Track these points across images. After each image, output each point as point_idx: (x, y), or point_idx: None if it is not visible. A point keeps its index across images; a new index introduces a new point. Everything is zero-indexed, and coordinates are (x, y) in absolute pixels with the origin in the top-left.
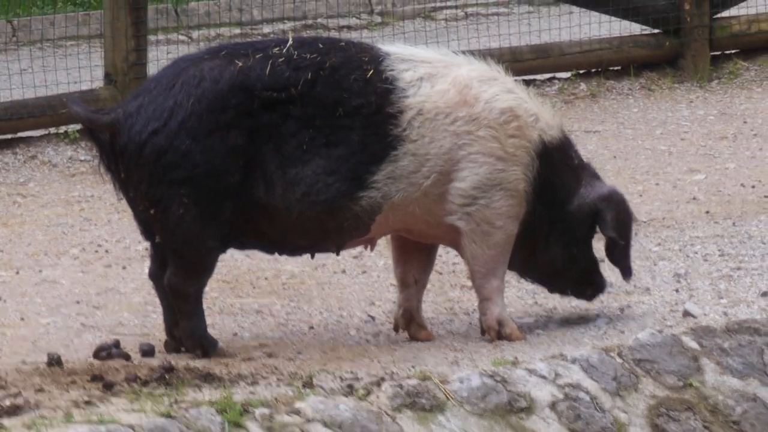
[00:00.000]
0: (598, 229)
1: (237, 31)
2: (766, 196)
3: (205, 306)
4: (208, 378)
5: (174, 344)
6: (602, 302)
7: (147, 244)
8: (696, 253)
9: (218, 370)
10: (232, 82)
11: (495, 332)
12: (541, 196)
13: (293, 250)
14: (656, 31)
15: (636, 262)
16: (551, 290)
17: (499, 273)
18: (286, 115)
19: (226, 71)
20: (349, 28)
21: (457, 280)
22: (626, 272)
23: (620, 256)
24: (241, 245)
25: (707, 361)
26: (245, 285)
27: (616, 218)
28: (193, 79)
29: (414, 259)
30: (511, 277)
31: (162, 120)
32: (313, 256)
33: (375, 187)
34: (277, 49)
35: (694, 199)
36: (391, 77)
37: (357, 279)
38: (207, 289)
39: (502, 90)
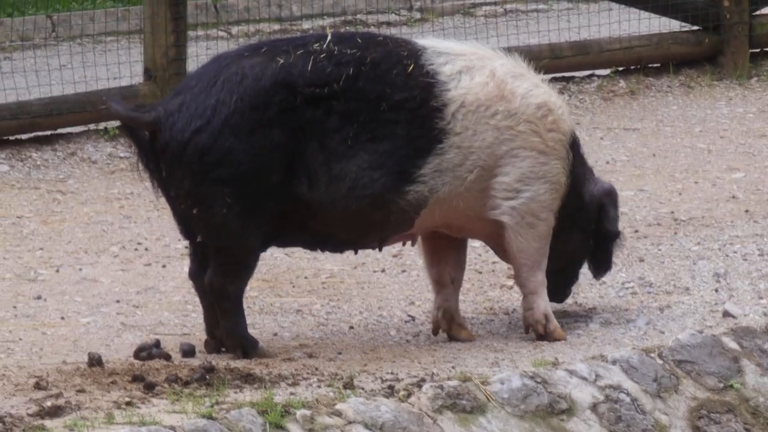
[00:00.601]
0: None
1: (276, 27)
2: None
3: (245, 305)
4: (249, 378)
5: (215, 344)
6: (642, 302)
7: (186, 243)
8: (735, 252)
9: (259, 370)
10: (274, 79)
11: (542, 326)
12: (572, 189)
13: (336, 246)
14: (695, 27)
15: (676, 262)
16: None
17: (543, 266)
18: (330, 111)
19: (268, 68)
20: (388, 24)
21: (497, 279)
22: (606, 267)
23: (609, 252)
24: (283, 243)
25: (748, 362)
26: (285, 284)
27: (616, 213)
28: (235, 76)
29: (448, 258)
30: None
31: (205, 118)
32: (356, 252)
33: (422, 181)
34: (317, 44)
35: (733, 197)
36: (432, 71)
37: (396, 278)
38: (247, 288)
39: (533, 85)
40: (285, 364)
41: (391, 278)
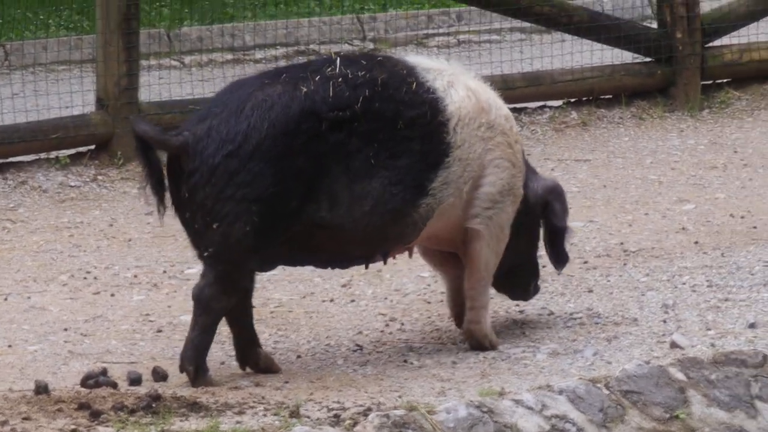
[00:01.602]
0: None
1: (229, 56)
2: (755, 227)
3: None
4: (195, 407)
5: (252, 364)
6: (590, 333)
7: (135, 271)
8: (684, 283)
9: (205, 399)
10: (301, 107)
11: (488, 342)
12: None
13: (348, 262)
14: (648, 59)
15: (624, 293)
16: (512, 296)
17: (490, 283)
18: (352, 133)
19: (295, 96)
20: None
21: (445, 309)
22: (564, 261)
23: (562, 246)
24: (293, 262)
25: (694, 392)
26: None
27: (563, 208)
28: (264, 103)
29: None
30: (500, 308)
31: (236, 143)
32: (366, 266)
33: (432, 194)
34: (330, 69)
35: (683, 229)
36: (431, 87)
37: (345, 308)
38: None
39: (494, 96)
40: (231, 392)
41: (339, 308)
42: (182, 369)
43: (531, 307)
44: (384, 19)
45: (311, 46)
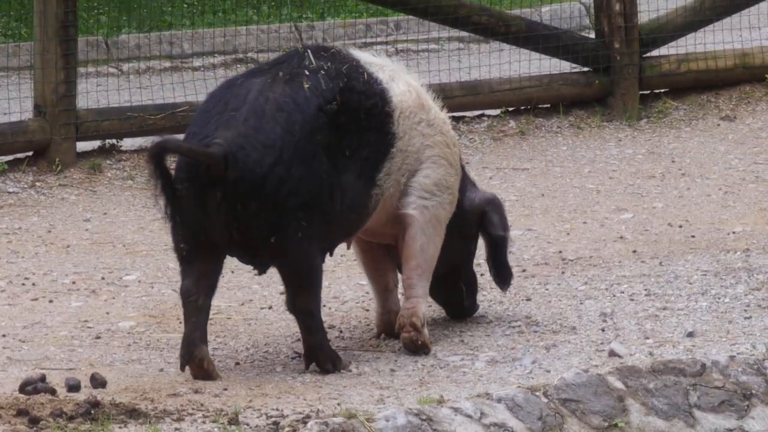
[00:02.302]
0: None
1: (167, 64)
2: (693, 236)
3: (131, 341)
4: (134, 414)
5: (195, 367)
6: (528, 341)
7: (74, 278)
8: (623, 292)
9: (144, 405)
10: (314, 104)
11: (417, 332)
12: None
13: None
14: (586, 69)
15: (563, 301)
16: (449, 312)
17: (429, 278)
18: (338, 126)
19: (306, 94)
20: None
21: None
22: (507, 278)
23: (503, 259)
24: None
25: (632, 401)
26: (172, 320)
27: (501, 219)
28: (285, 104)
29: (388, 265)
30: (438, 316)
31: (277, 150)
32: (331, 254)
33: (379, 185)
34: (308, 62)
35: (621, 238)
36: (378, 79)
37: (284, 315)
38: (133, 323)
39: (433, 98)
40: (170, 399)
41: (278, 315)
42: (324, 369)
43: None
44: (322, 28)
45: (249, 54)
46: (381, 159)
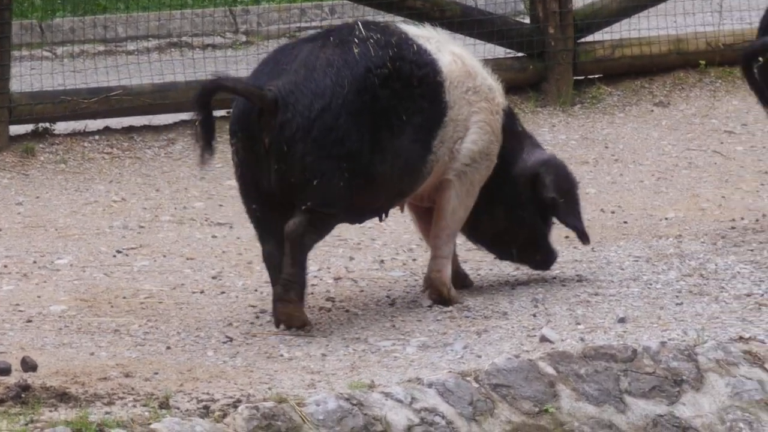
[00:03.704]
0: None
1: (101, 48)
2: (625, 222)
3: (61, 324)
4: (65, 397)
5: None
6: (460, 326)
7: (5, 261)
8: (554, 278)
9: (74, 389)
10: (364, 65)
11: (446, 289)
12: (499, 163)
13: (364, 216)
14: (520, 54)
15: (494, 286)
16: (499, 256)
17: (455, 237)
18: (390, 90)
19: (356, 55)
20: (213, 47)
21: (316, 301)
22: (582, 236)
23: (569, 218)
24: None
25: (563, 387)
26: (103, 304)
27: (554, 181)
28: (335, 62)
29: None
30: (370, 301)
31: (326, 98)
32: (381, 219)
33: (434, 151)
34: (358, 32)
35: (554, 224)
36: (426, 49)
37: (215, 299)
38: (65, 307)
39: (480, 65)
40: (101, 383)
41: (209, 299)
42: (285, 301)
43: (401, 300)
44: (257, 12)
45: (183, 38)
46: (435, 126)
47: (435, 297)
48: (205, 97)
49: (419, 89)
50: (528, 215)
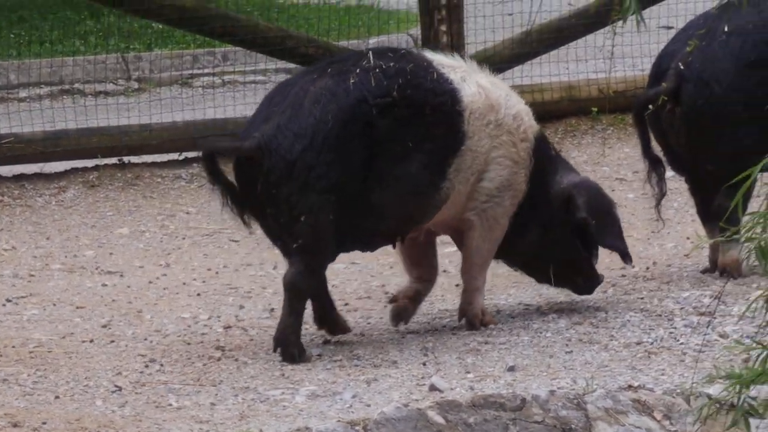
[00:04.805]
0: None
1: None
2: (515, 269)
3: None
4: None
5: (327, 329)
6: (349, 375)
7: None
8: (444, 326)
9: None
10: (355, 96)
11: (479, 320)
12: (530, 188)
13: (376, 244)
14: None
15: (384, 335)
16: (537, 279)
17: (487, 267)
18: (393, 118)
19: (347, 87)
20: (106, 94)
21: (205, 350)
22: (624, 256)
23: (607, 239)
24: (347, 248)
25: None
26: None
27: (587, 202)
28: (323, 96)
29: (424, 262)
30: (259, 350)
31: (308, 138)
32: (394, 246)
33: (449, 179)
34: (365, 62)
35: (444, 271)
36: (449, 78)
37: (105, 348)
38: None
39: (506, 94)
40: None
41: (99, 348)
42: (285, 353)
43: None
44: (149, 59)
45: (75, 85)
46: (450, 154)
47: (469, 328)
48: (206, 164)
49: (433, 117)
50: (564, 238)
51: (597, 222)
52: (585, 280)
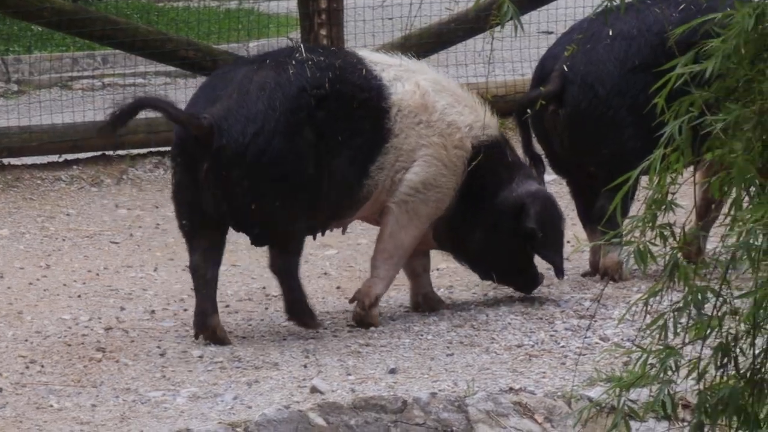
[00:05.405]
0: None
1: None
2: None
3: None
4: None
5: (209, 333)
6: (230, 377)
7: None
8: (326, 328)
9: None
10: (296, 85)
11: (368, 304)
12: (469, 191)
13: (320, 230)
14: None
15: (266, 337)
16: (480, 276)
17: (397, 265)
18: (327, 110)
19: (290, 76)
20: None
21: (86, 352)
22: (558, 271)
23: (548, 252)
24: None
25: None
26: None
27: (539, 212)
28: (268, 84)
29: (416, 252)
30: (140, 351)
31: (259, 122)
32: (315, 238)
33: (371, 176)
34: (298, 55)
35: (325, 274)
36: (378, 76)
37: None
38: None
39: (450, 103)
40: None
41: None
42: (300, 323)
43: (172, 350)
44: (29, 61)
45: None
46: (375, 152)
47: (357, 315)
48: (132, 112)
49: (359, 112)
50: (511, 241)
51: (543, 233)
52: (526, 280)
